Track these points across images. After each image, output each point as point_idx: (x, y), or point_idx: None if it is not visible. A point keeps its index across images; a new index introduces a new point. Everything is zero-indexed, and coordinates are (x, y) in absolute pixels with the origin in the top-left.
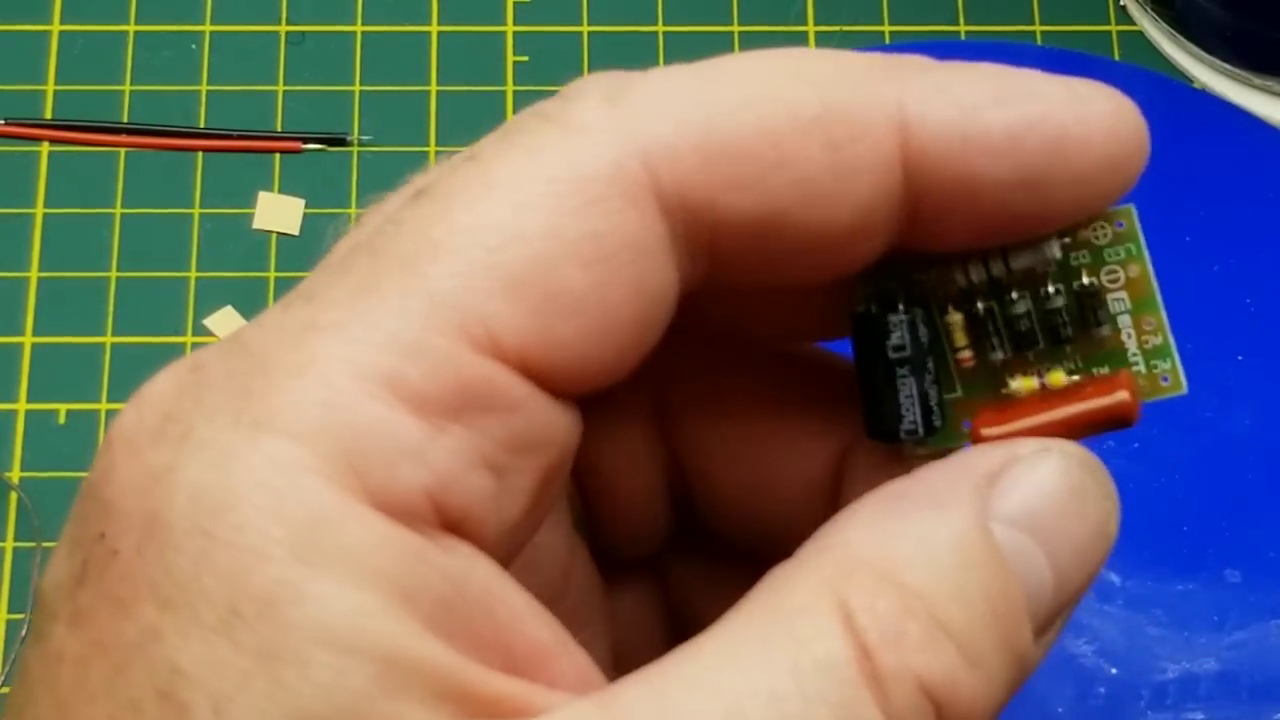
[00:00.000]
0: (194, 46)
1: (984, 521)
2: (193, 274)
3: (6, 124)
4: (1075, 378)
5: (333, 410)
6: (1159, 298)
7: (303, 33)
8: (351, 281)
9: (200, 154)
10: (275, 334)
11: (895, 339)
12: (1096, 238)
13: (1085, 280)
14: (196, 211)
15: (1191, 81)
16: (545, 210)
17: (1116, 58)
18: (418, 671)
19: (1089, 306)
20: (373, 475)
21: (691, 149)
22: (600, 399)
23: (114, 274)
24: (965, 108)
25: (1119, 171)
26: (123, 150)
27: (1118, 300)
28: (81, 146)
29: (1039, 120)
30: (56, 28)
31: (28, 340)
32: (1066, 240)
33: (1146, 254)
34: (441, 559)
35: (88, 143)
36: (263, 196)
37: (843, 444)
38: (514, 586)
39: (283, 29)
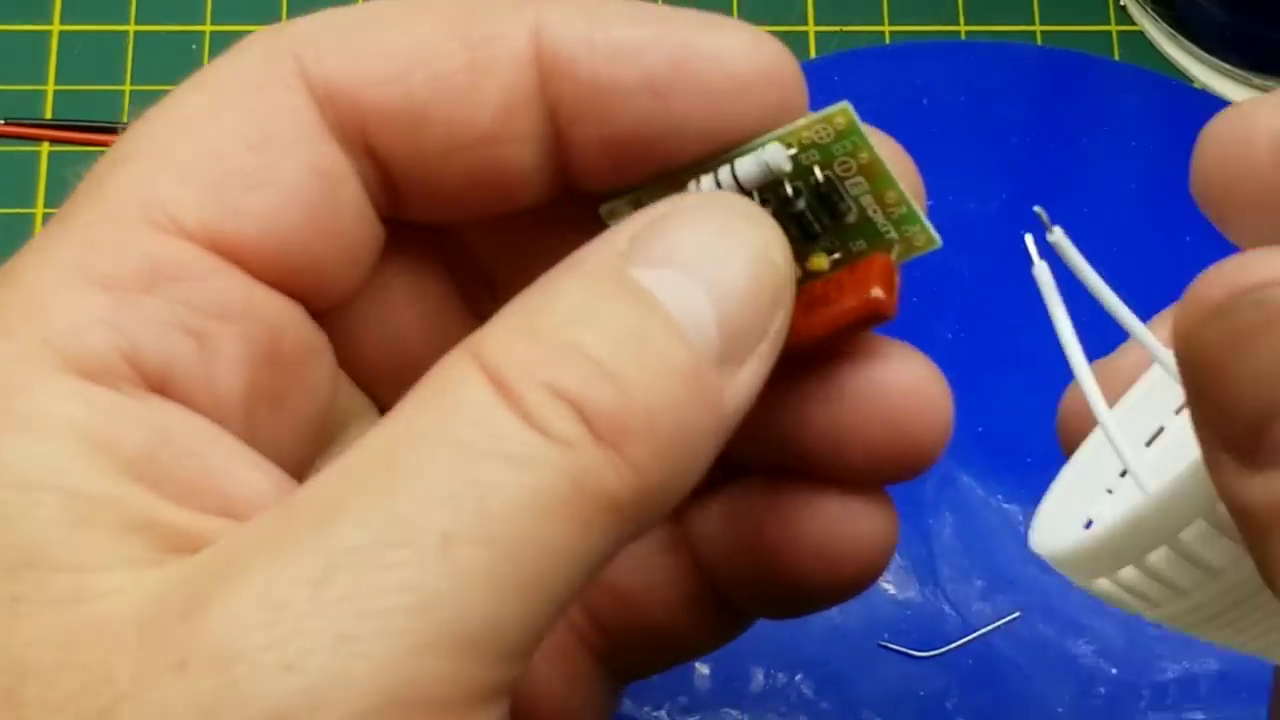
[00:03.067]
0: (194, 46)
1: (620, 267)
2: None
3: (6, 124)
4: (836, 256)
5: (28, 301)
6: (893, 174)
7: None
8: (55, 218)
9: None
10: (4, 267)
11: None
12: (820, 137)
13: (819, 175)
14: None
15: (1191, 81)
16: (206, 104)
17: (1116, 58)
18: (105, 505)
19: (830, 196)
20: (66, 347)
21: (335, 44)
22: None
23: None
24: (595, 21)
25: (753, 91)
26: None
27: (856, 184)
28: (81, 146)
29: (663, 34)
30: (56, 28)
31: None
32: (792, 149)
33: (870, 141)
34: (141, 412)
35: (88, 143)
36: None
37: None
38: (230, 440)
39: None
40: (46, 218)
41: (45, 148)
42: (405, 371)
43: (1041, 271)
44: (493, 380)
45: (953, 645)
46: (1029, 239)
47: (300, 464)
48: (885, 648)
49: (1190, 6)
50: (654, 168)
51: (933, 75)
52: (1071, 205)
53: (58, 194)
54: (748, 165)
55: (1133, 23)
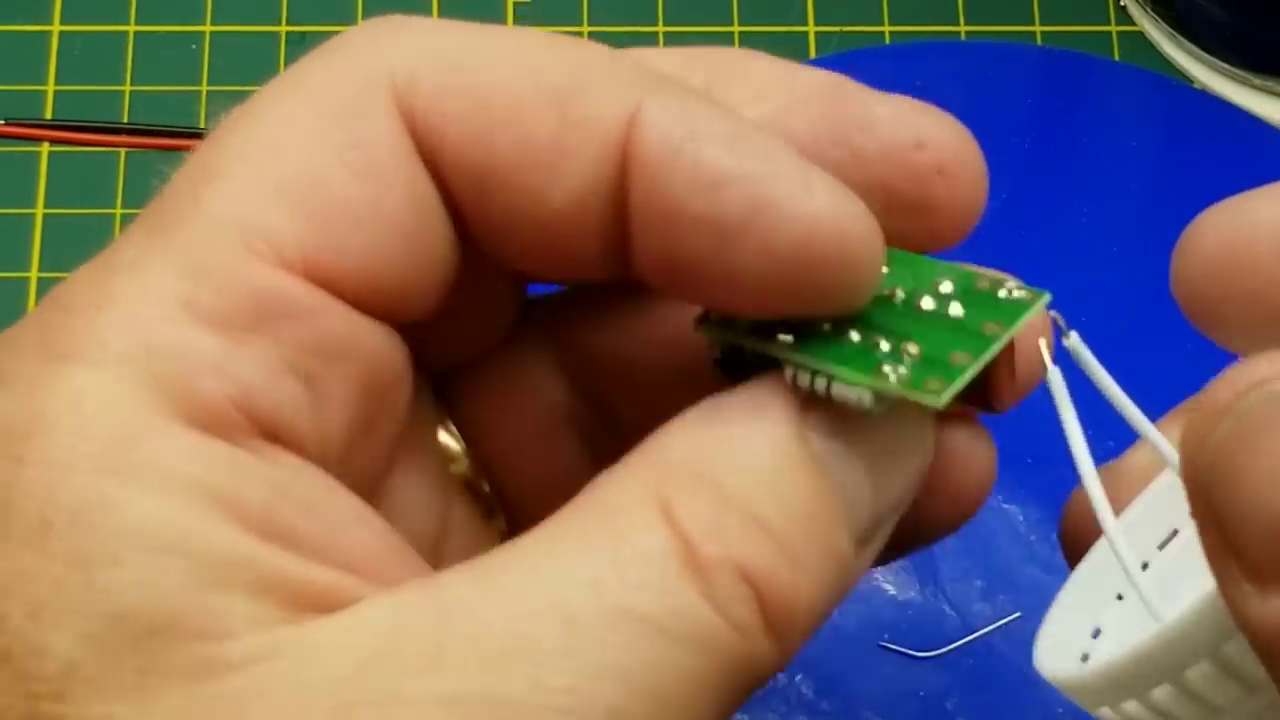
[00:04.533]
0: (194, 46)
1: (801, 430)
2: None
3: (6, 124)
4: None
5: (133, 337)
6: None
7: (303, 33)
8: (142, 225)
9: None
10: (78, 282)
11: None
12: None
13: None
14: None
15: (1191, 81)
16: (308, 124)
17: (1116, 58)
18: (236, 566)
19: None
20: (177, 392)
21: (432, 79)
22: (492, 358)
23: None
24: (693, 133)
25: (816, 270)
26: (123, 150)
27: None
28: (81, 146)
29: (749, 178)
30: (56, 28)
31: None
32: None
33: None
34: (258, 466)
35: (88, 143)
36: None
37: None
38: (343, 493)
39: (283, 29)
40: (47, 218)
41: (45, 148)
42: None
43: (1055, 377)
44: (681, 543)
45: (953, 645)
46: (1042, 343)
47: (378, 480)
48: (885, 648)
49: (1190, 6)
50: (721, 298)
51: (933, 75)
52: (1071, 205)
53: (58, 194)
54: (841, 391)
55: (1133, 23)
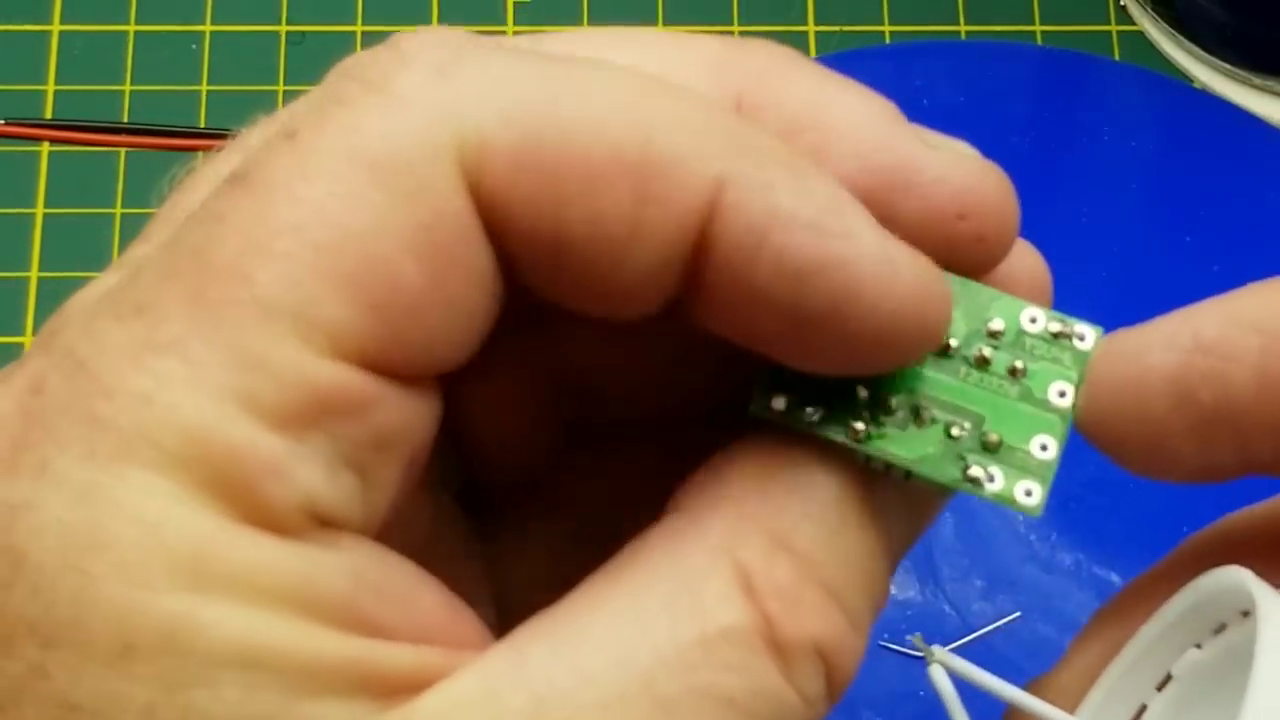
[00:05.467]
0: (194, 46)
1: (866, 482)
2: None
3: (6, 124)
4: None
5: (188, 436)
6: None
7: (303, 33)
8: (181, 290)
9: (200, 154)
10: (113, 353)
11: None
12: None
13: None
14: None
15: (1191, 81)
16: (370, 201)
17: (1116, 58)
18: (327, 670)
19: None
20: (241, 496)
21: (505, 151)
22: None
23: None
24: (777, 217)
25: (897, 346)
26: (123, 150)
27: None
28: (81, 146)
29: (835, 266)
30: (56, 28)
31: (28, 340)
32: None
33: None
34: (330, 559)
35: (88, 143)
36: None
37: None
38: (397, 561)
39: (283, 29)
40: (47, 218)
41: (45, 148)
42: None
43: (938, 676)
44: (764, 621)
45: (953, 645)
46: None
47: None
48: (885, 648)
49: (1190, 6)
50: (788, 360)
51: (933, 75)
52: (1071, 205)
53: (58, 194)
54: (925, 480)
55: (1133, 23)
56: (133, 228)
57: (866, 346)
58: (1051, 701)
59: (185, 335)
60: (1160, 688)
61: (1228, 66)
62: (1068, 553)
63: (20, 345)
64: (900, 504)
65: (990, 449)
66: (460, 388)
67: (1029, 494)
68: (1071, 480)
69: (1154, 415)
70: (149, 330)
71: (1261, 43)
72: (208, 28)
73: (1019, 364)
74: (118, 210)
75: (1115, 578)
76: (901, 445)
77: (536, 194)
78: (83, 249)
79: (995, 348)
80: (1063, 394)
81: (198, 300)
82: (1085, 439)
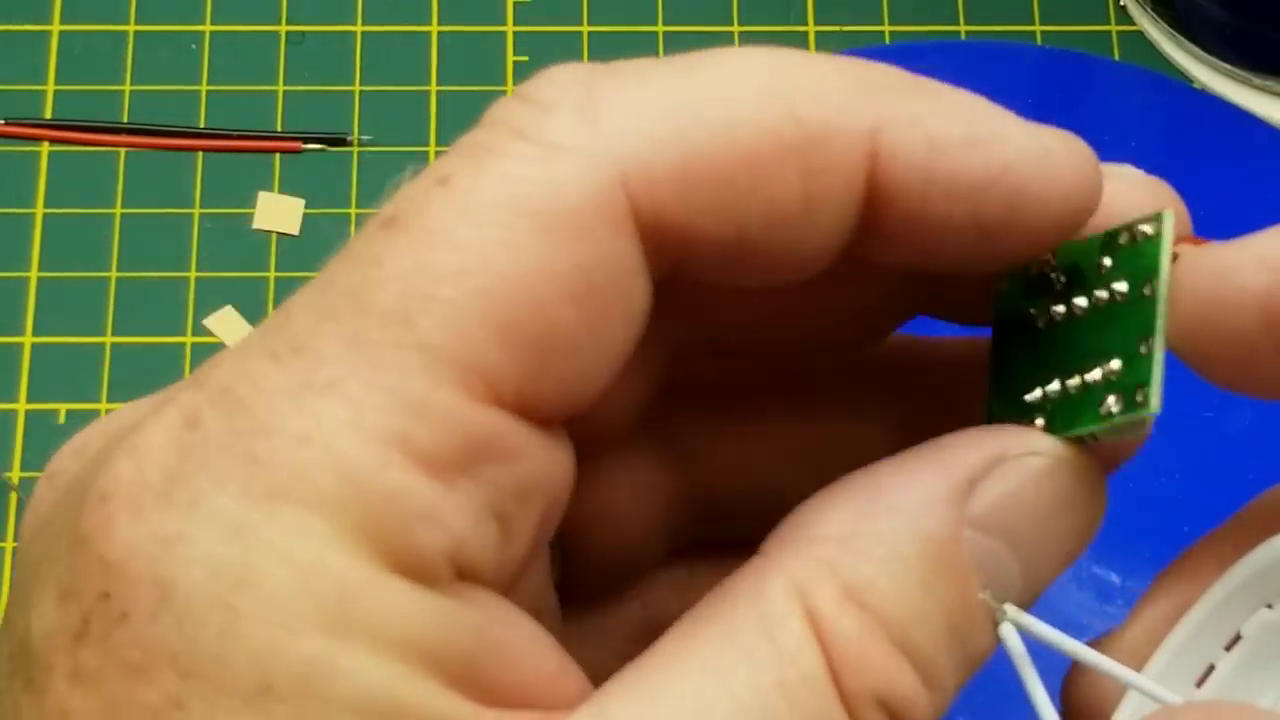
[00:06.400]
0: (194, 46)
1: (955, 530)
2: (193, 274)
3: (6, 124)
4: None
5: (345, 477)
6: (1161, 322)
7: (303, 33)
8: (341, 333)
9: (200, 154)
10: (271, 392)
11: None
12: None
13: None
14: (196, 211)
15: (1191, 81)
16: (532, 248)
17: (1116, 58)
18: None
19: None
20: (392, 542)
21: (670, 174)
22: (595, 430)
23: (114, 274)
24: (935, 146)
25: (1070, 226)
26: (123, 150)
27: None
28: (81, 146)
29: (1002, 173)
30: (56, 28)
31: (28, 340)
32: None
33: (1165, 270)
34: (462, 615)
35: (88, 143)
36: (263, 196)
37: (871, 428)
38: (520, 618)
39: (283, 29)
40: (46, 218)
41: (45, 148)
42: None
43: (1010, 636)
44: (828, 660)
45: None
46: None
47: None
48: None
49: (1190, 6)
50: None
51: (933, 75)
52: None
53: (58, 194)
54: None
55: (1133, 23)
56: (133, 228)
57: (1044, 232)
58: (1118, 660)
59: (344, 376)
60: (1229, 648)
61: (1228, 66)
62: None
63: (20, 345)
64: (1002, 553)
65: (1114, 378)
66: (589, 483)
67: (1141, 396)
68: None
69: (1242, 334)
70: (308, 371)
71: (1261, 43)
72: (208, 28)
73: (1107, 291)
74: (118, 210)
75: (1115, 578)
76: (1065, 416)
77: (709, 203)
78: (83, 249)
79: (1091, 286)
80: (1151, 291)
81: (357, 344)
82: (1172, 352)
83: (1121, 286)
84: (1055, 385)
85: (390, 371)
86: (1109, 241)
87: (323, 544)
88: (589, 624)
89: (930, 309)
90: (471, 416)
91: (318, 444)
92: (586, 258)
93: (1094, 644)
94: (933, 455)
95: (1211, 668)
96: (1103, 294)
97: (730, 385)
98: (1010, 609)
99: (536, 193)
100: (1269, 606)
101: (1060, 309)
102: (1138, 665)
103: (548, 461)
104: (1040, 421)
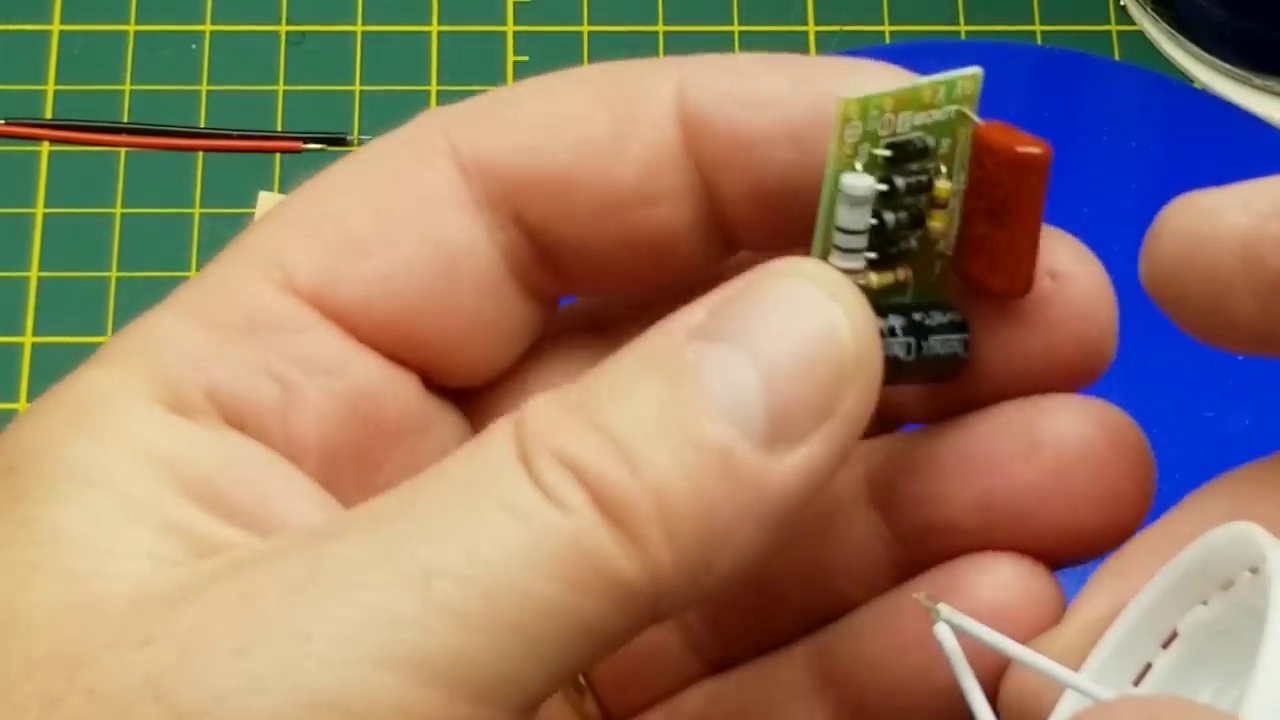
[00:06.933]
0: (194, 46)
1: (679, 343)
2: (193, 274)
3: (6, 124)
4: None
5: (144, 338)
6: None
7: (303, 33)
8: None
9: (200, 154)
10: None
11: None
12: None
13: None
14: (196, 211)
15: (1191, 81)
16: (348, 174)
17: (1116, 58)
18: (151, 509)
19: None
20: (160, 378)
21: (485, 119)
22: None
23: (114, 274)
24: (736, 77)
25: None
26: (123, 150)
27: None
28: (81, 146)
29: (803, 85)
30: (56, 28)
31: (28, 340)
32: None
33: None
34: (210, 440)
35: (88, 143)
36: (263, 196)
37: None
38: (296, 476)
39: (283, 29)
40: (46, 218)
41: (45, 148)
42: None
43: (944, 634)
44: (517, 444)
45: None
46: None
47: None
48: None
49: (1190, 6)
50: (808, 220)
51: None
52: (1071, 204)
53: (58, 194)
54: (842, 214)
55: (1133, 23)
56: (133, 227)
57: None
58: (1054, 659)
59: (187, 285)
60: (1166, 645)
61: (1228, 66)
62: None
63: (20, 345)
64: (725, 352)
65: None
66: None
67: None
68: None
69: (1220, 274)
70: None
71: (1261, 43)
72: (208, 28)
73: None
74: (118, 210)
75: None
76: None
77: (522, 144)
78: (83, 249)
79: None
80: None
81: (214, 261)
82: (1148, 293)
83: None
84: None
85: (213, 270)
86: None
87: (101, 379)
88: None
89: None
90: (259, 294)
91: (144, 324)
92: (390, 180)
93: (1031, 644)
94: (680, 311)
95: (1149, 666)
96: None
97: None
98: (944, 608)
99: (376, 145)
100: (1204, 604)
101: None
102: (1075, 664)
103: (345, 358)
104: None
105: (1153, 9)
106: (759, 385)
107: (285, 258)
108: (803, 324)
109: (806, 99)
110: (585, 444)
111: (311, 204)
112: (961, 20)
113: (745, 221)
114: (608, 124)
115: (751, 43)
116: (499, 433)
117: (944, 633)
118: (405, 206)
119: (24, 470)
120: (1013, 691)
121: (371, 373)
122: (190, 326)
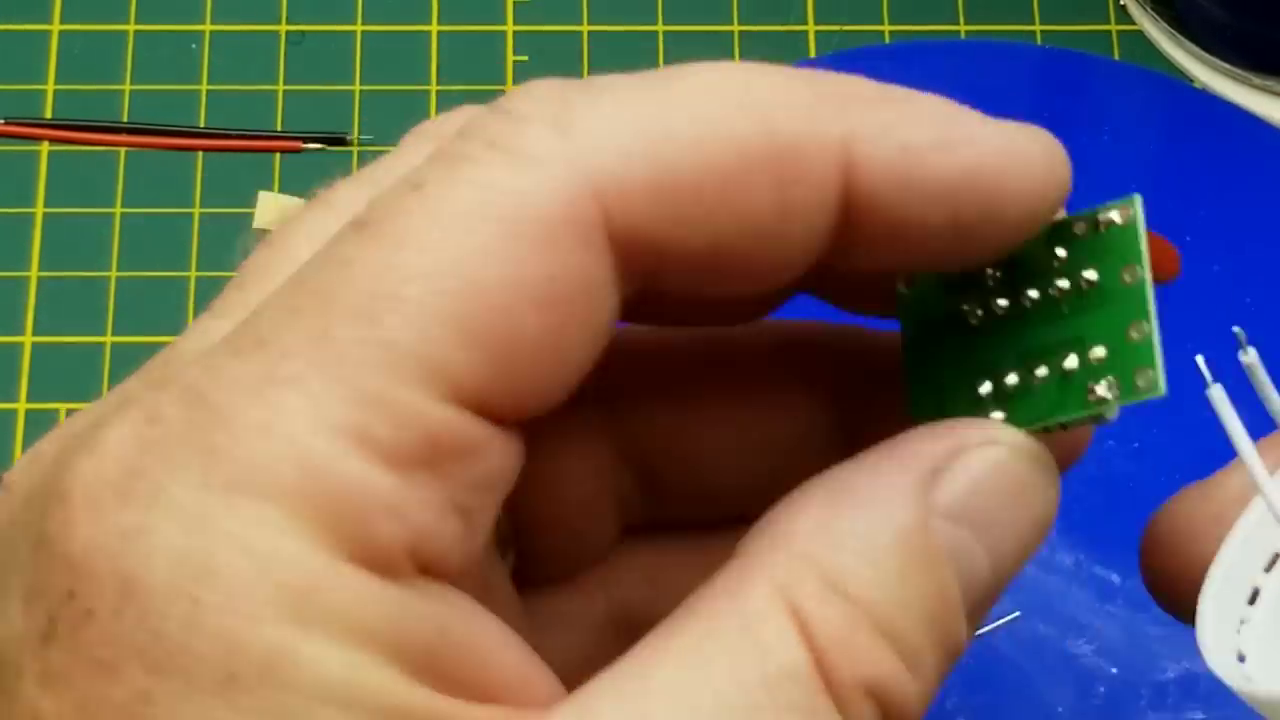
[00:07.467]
0: (194, 46)
1: (925, 519)
2: (193, 274)
3: (6, 124)
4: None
5: (305, 469)
6: (1151, 302)
7: (303, 32)
8: (305, 327)
9: (200, 154)
10: (232, 385)
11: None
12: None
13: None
14: (196, 211)
15: (1191, 81)
16: (500, 254)
17: (1116, 58)
18: (375, 702)
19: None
20: (352, 533)
21: (643, 187)
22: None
23: (114, 274)
24: (909, 151)
25: (1043, 218)
26: (123, 150)
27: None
28: (81, 146)
29: (976, 172)
30: (56, 28)
31: (28, 340)
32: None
33: (1145, 255)
34: (423, 607)
35: (88, 143)
36: (263, 196)
37: (816, 407)
38: (485, 616)
39: (283, 29)
40: (46, 218)
41: (45, 148)
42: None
43: (1217, 394)
44: (813, 655)
45: None
46: (1200, 360)
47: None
48: None
49: (1190, 6)
50: (933, 267)
51: (933, 75)
52: (1071, 205)
53: (58, 194)
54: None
55: (1133, 23)
56: (132, 227)
57: (1019, 226)
58: (1212, 505)
59: (306, 370)
60: None
61: (1228, 66)
62: (1067, 553)
63: (20, 345)
64: (972, 537)
65: (1097, 360)
66: (536, 462)
67: (1146, 383)
68: (1071, 480)
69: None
70: (270, 365)
71: (1261, 43)
72: (207, 27)
73: (1069, 281)
74: (118, 210)
75: (1115, 578)
76: (1034, 408)
77: (682, 214)
78: (83, 249)
79: (1046, 278)
80: (1134, 278)
81: (322, 338)
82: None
83: (1091, 275)
84: (1013, 378)
85: (352, 367)
86: (1060, 232)
87: (280, 534)
88: (550, 612)
89: (816, 289)
90: (432, 413)
91: (277, 435)
92: (553, 267)
93: (1197, 486)
94: (894, 451)
95: None
96: (1063, 284)
97: (662, 362)
98: (1216, 388)
99: (507, 200)
100: None
101: (1003, 302)
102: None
103: (505, 457)
104: (999, 414)
105: (1153, 9)
106: (990, 579)
107: (448, 365)
108: (1033, 518)
109: (981, 193)
110: (890, 668)
111: (459, 281)
112: (961, 20)
113: (862, 267)
114: (773, 203)
115: (751, 42)
116: (779, 629)
117: (1218, 393)
118: (571, 299)
119: (258, 689)
120: (1164, 521)
121: (519, 461)
122: (363, 458)
